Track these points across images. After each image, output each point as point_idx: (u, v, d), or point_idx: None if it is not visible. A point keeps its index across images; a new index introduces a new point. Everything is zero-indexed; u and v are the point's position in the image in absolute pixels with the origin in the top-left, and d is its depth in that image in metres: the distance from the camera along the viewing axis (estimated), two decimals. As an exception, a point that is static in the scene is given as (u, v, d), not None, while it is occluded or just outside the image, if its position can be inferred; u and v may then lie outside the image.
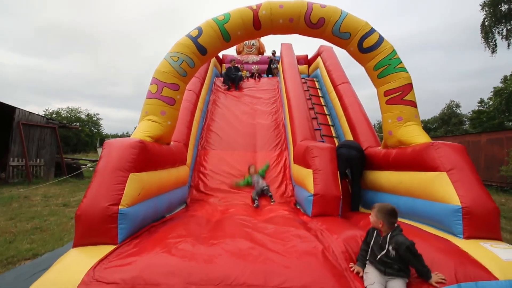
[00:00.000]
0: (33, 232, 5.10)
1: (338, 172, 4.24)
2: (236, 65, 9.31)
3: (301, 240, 2.85)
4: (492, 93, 24.99)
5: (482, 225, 2.75)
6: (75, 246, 2.65)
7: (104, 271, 2.21)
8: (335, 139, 6.88)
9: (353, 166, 4.84)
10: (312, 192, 3.97)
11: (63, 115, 37.33)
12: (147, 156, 3.31)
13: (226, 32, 4.37)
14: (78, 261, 2.38)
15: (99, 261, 2.32)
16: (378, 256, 2.30)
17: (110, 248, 2.56)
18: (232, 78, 8.58)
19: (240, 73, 8.78)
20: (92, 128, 40.45)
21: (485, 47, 17.29)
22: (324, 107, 8.00)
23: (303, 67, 10.17)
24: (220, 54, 10.45)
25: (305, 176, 4.30)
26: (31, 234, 4.95)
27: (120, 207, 2.73)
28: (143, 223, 3.19)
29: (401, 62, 4.20)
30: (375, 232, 2.46)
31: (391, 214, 2.37)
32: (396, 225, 2.38)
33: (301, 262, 2.40)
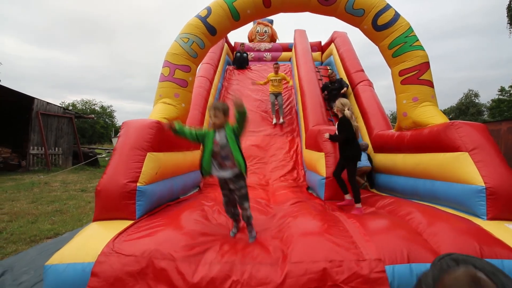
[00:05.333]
0: (53, 214, 5.30)
1: None
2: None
3: (312, 219, 2.86)
4: (513, 81, 23.91)
5: (507, 206, 2.66)
6: (95, 220, 2.74)
7: (123, 244, 2.28)
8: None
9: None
10: (324, 175, 3.95)
11: (78, 108, 38.26)
12: (164, 137, 3.36)
13: (235, 11, 4.29)
14: (99, 233, 2.46)
15: (118, 234, 2.39)
16: None
17: (129, 223, 2.64)
18: (240, 62, 9.26)
19: (246, 54, 9.43)
20: (107, 120, 41.33)
21: (510, 32, 16.36)
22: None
23: (317, 54, 9.97)
24: (232, 42, 10.39)
25: (317, 160, 4.27)
26: (52, 216, 5.15)
27: (138, 184, 2.80)
28: (160, 202, 3.26)
29: (418, 39, 4.03)
30: None
31: None
32: None
33: (312, 239, 2.41)
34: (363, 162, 4.66)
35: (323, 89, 7.32)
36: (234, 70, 9.08)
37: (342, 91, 7.06)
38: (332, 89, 7.23)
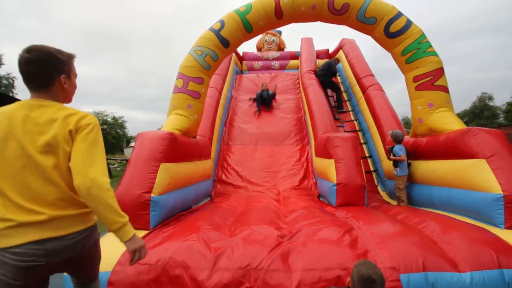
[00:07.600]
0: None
1: (361, 161, 4.17)
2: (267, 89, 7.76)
3: (325, 226, 2.83)
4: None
5: (526, 215, 2.57)
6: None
7: (138, 253, 2.32)
8: (359, 133, 6.77)
9: (326, 83, 7.42)
10: (335, 182, 3.93)
11: (91, 119, 39.17)
12: (176, 148, 3.45)
13: (248, 23, 4.40)
14: (114, 244, 2.51)
15: (134, 244, 2.44)
16: None
17: (143, 233, 2.69)
18: (264, 99, 7.63)
19: (271, 91, 7.72)
20: (118, 130, 42.18)
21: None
22: (347, 102, 7.88)
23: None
24: (241, 51, 10.56)
25: (328, 167, 4.26)
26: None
27: (152, 195, 2.87)
28: (172, 211, 3.32)
29: (431, 46, 4.03)
30: None
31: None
32: None
33: (325, 246, 2.39)
34: (404, 170, 4.20)
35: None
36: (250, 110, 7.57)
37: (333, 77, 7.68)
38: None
